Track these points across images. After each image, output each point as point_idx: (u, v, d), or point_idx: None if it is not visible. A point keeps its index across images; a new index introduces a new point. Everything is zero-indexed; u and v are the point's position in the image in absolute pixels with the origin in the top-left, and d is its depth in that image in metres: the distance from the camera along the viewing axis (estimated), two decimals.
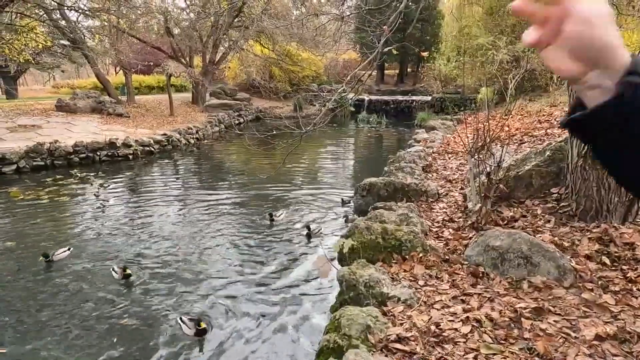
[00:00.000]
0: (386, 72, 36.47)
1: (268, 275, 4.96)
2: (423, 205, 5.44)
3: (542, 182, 4.37)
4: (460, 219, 4.73)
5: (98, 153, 11.55)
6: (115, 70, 39.81)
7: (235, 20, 22.10)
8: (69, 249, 5.55)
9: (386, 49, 5.15)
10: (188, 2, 27.51)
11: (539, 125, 10.75)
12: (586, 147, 3.54)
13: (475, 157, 4.39)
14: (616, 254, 3.18)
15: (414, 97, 25.52)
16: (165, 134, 13.83)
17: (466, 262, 3.54)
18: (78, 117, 15.24)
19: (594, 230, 3.51)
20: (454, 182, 6.76)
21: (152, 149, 12.84)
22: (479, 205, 4.13)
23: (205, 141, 16.07)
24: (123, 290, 4.65)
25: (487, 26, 20.38)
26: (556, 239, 3.53)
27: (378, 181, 5.72)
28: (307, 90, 28.54)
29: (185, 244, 5.89)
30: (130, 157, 12.07)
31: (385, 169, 7.01)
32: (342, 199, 7.47)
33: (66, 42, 21.12)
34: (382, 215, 4.45)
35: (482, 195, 4.02)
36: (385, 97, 26.29)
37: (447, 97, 23.01)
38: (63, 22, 18.11)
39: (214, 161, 13.16)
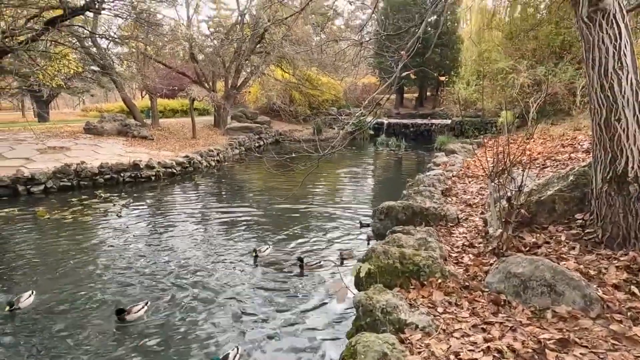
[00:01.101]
0: (405, 95, 36.60)
1: (285, 299, 4.92)
2: (442, 230, 5.35)
3: (565, 207, 4.26)
4: (481, 245, 4.63)
5: (122, 174, 11.85)
6: (142, 95, 41.19)
7: (257, 46, 22.70)
8: (32, 293, 4.93)
9: (404, 74, 5.19)
10: (212, 30, 28.42)
11: (562, 149, 10.53)
12: (610, 172, 3.45)
13: (496, 181, 4.32)
14: None
15: (433, 121, 25.46)
16: (187, 156, 14.11)
17: (487, 289, 3.43)
18: (104, 140, 15.74)
19: (622, 258, 3.37)
20: (474, 206, 6.64)
21: (174, 171, 13.10)
22: (500, 230, 4.03)
23: (226, 163, 16.31)
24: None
25: (507, 50, 20.35)
26: (581, 266, 3.41)
27: (396, 205, 5.67)
28: (326, 113, 28.86)
29: (203, 266, 5.92)
30: (153, 178, 12.33)
31: (404, 192, 6.96)
32: (360, 222, 7.43)
33: (96, 68, 22.07)
34: (400, 239, 4.39)
35: (503, 220, 3.94)
36: (405, 121, 26.33)
37: (467, 120, 22.87)
38: (94, 49, 18.93)
39: (234, 183, 13.31)
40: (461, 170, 10.13)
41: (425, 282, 3.58)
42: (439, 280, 3.57)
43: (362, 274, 3.60)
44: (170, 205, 9.72)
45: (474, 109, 23.57)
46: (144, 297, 4.99)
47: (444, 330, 2.97)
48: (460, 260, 4.30)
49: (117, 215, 8.44)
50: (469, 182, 8.92)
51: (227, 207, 9.56)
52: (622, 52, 3.37)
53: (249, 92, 29.85)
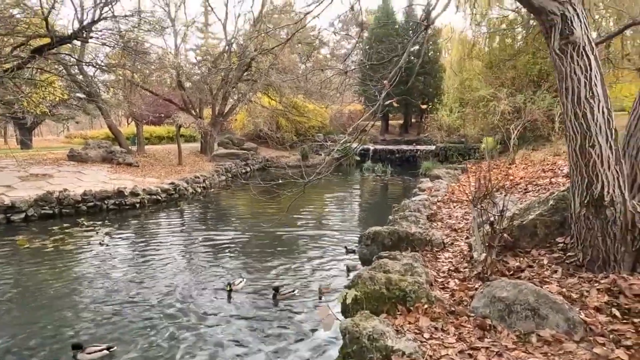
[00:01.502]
0: (390, 122, 37.26)
1: (270, 325, 4.85)
2: (428, 255, 5.38)
3: (546, 231, 4.34)
4: (466, 269, 4.66)
5: (106, 202, 11.69)
6: (128, 121, 41.10)
7: (244, 74, 23.03)
8: None
9: (388, 102, 5.32)
10: (200, 58, 28.77)
11: (543, 174, 10.79)
12: (587, 196, 3.56)
13: (478, 206, 4.40)
14: (626, 306, 3.09)
15: (418, 147, 25.91)
16: (172, 183, 14.02)
17: (472, 314, 3.45)
18: (89, 167, 15.58)
19: (602, 281, 3.44)
20: (459, 230, 6.71)
21: (159, 198, 12.97)
22: (484, 255, 4.08)
23: (212, 190, 16.23)
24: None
25: (488, 79, 21.04)
26: (564, 290, 3.46)
27: (382, 230, 5.71)
28: (313, 140, 29.14)
29: (185, 296, 5.81)
30: (138, 205, 12.18)
31: (390, 217, 7.01)
32: (346, 248, 7.42)
33: (82, 95, 22.05)
34: (387, 264, 4.40)
35: (487, 244, 3.99)
36: (390, 147, 26.73)
37: (451, 146, 23.33)
38: (80, 77, 18.96)
39: (219, 209, 13.22)
40: (446, 195, 10.27)
41: (412, 308, 3.58)
42: (425, 306, 3.58)
43: (348, 301, 3.59)
44: (154, 233, 9.58)
45: (457, 135, 24.09)
46: (119, 332, 4.84)
47: (430, 356, 2.96)
48: (446, 285, 4.31)
49: (100, 243, 8.27)
50: (454, 207, 9.04)
51: (211, 234, 9.46)
52: (592, 82, 3.53)
53: (236, 119, 30.06)
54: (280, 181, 6.45)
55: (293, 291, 5.60)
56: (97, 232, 9.16)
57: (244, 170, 22.02)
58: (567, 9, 3.61)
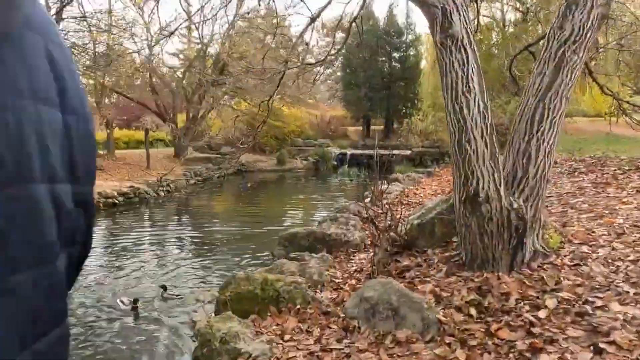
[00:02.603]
0: (373, 127, 37.22)
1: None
2: (342, 256, 5.26)
3: (444, 230, 4.25)
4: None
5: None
6: (108, 126, 40.71)
7: (218, 79, 22.90)
8: None
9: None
10: (181, 63, 28.60)
11: None
12: (464, 193, 3.46)
13: (360, 203, 4.29)
14: (488, 305, 2.99)
15: (394, 151, 25.78)
16: (132, 186, 13.80)
17: (343, 315, 3.32)
18: None
19: (476, 280, 3.33)
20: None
21: (116, 201, 12.73)
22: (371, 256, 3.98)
23: (177, 193, 16.00)
24: None
25: None
26: (437, 289, 3.35)
27: (300, 231, 5.58)
28: (292, 145, 29.04)
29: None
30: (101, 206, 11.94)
31: (320, 220, 6.88)
32: (272, 253, 7.25)
33: None
34: (283, 265, 4.27)
35: (370, 243, 3.88)
36: (367, 152, 26.64)
37: (425, 151, 23.37)
38: None
39: (179, 213, 13.03)
40: (397, 198, 10.18)
41: (284, 309, 3.45)
42: (299, 307, 3.45)
43: (219, 302, 3.45)
44: (100, 239, 9.36)
45: (432, 139, 24.15)
46: None
47: (278, 359, 2.83)
48: (342, 286, 4.19)
49: None
50: (400, 210, 8.94)
51: (158, 238, 9.28)
52: (469, 76, 3.45)
53: (213, 123, 29.87)
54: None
55: (180, 296, 5.41)
56: None
57: (217, 175, 21.80)
58: (447, 2, 3.53)
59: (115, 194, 12.82)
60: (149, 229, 10.42)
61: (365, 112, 32.48)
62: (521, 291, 3.09)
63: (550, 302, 2.83)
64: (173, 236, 9.63)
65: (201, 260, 7.42)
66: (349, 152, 26.90)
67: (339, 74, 40.83)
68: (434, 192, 11.47)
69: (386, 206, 4.00)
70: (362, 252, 5.46)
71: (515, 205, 3.38)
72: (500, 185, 3.39)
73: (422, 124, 23.16)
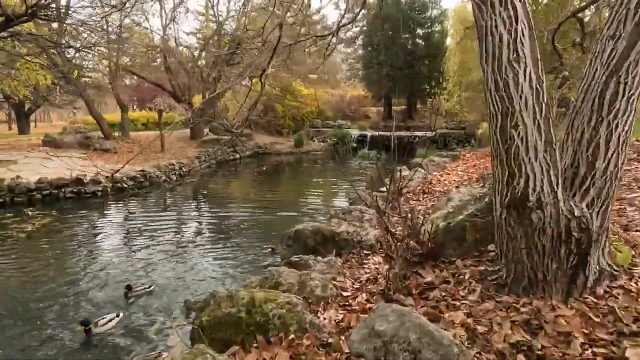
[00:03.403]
0: (394, 108, 35.95)
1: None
2: (353, 260, 4.52)
3: (477, 236, 3.45)
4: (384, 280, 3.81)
5: (63, 190, 11.05)
6: (133, 108, 40.59)
7: (233, 57, 22.12)
8: None
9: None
10: (189, 42, 27.84)
11: None
12: (508, 195, 2.65)
13: (380, 204, 3.51)
14: (543, 352, 2.21)
15: (417, 133, 24.73)
16: (142, 170, 13.34)
17: (347, 351, 2.60)
18: (61, 153, 14.99)
19: (523, 309, 2.55)
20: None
21: (125, 186, 12.30)
22: (386, 267, 3.22)
23: (189, 177, 15.51)
24: None
25: None
26: (470, 320, 2.58)
27: (305, 229, 4.86)
28: (310, 126, 28.20)
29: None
30: (100, 194, 11.53)
31: (331, 212, 6.12)
32: (272, 249, 6.63)
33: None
34: (280, 274, 3.57)
35: (384, 255, 3.13)
36: (388, 133, 25.56)
37: (450, 132, 22.19)
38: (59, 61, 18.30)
39: (189, 199, 12.51)
40: (419, 186, 9.33)
41: (274, 339, 2.75)
42: (293, 336, 2.74)
43: (199, 327, 2.77)
44: (101, 226, 8.91)
45: (457, 120, 22.90)
46: None
47: None
48: (350, 302, 3.46)
49: (26, 237, 7.62)
50: (423, 199, 8.12)
51: (172, 226, 8.76)
52: (519, 40, 2.59)
53: (226, 106, 29.25)
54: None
55: (149, 287, 4.94)
56: (33, 224, 8.51)
57: (232, 157, 21.26)
58: None
59: (125, 178, 12.37)
60: (155, 216, 9.91)
61: (386, 92, 31.20)
62: (587, 330, 2.29)
63: (633, 354, 2.03)
64: (178, 223, 9.10)
65: (202, 252, 6.86)
66: (369, 133, 25.87)
67: (359, 52, 39.43)
68: (459, 178, 10.52)
69: (406, 209, 3.21)
70: (377, 254, 4.71)
71: (576, 213, 2.55)
72: (557, 185, 2.56)
73: (447, 103, 21.85)
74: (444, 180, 10.40)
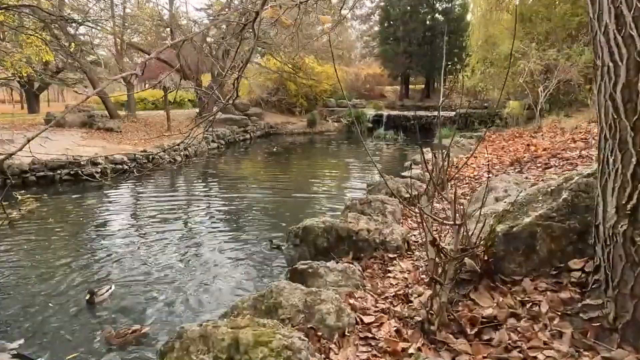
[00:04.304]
0: (411, 86, 34.52)
1: None
2: (375, 266, 3.60)
3: (553, 246, 2.48)
4: (419, 297, 2.89)
5: (59, 172, 10.33)
6: (144, 86, 39.85)
7: (244, 32, 20.99)
8: None
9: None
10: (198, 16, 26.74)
11: (572, 145, 8.64)
12: (631, 196, 1.67)
13: (423, 204, 2.56)
14: None
15: (435, 113, 23.44)
16: (144, 151, 12.55)
17: None
18: (62, 132, 14.29)
19: None
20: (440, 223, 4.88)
21: (126, 167, 11.55)
22: (429, 293, 2.29)
23: (195, 158, 14.70)
24: None
25: (517, 35, 18.24)
26: None
27: (316, 225, 3.93)
28: (324, 105, 27.06)
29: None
30: (98, 176, 10.78)
31: (347, 202, 5.17)
32: (271, 241, 5.83)
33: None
34: (281, 293, 2.67)
35: (430, 278, 2.20)
36: (405, 113, 24.32)
37: (472, 112, 20.87)
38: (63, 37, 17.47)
39: (194, 181, 11.71)
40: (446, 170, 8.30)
41: None
42: None
43: None
44: (95, 211, 8.16)
45: (480, 99, 21.52)
46: None
47: None
48: (375, 333, 2.55)
49: (8, 225, 6.87)
50: (450, 187, 7.11)
51: (164, 211, 7.97)
52: None
53: (234, 84, 28.13)
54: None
55: (110, 288, 4.37)
56: (19, 210, 7.78)
57: (242, 138, 20.37)
58: None
59: (125, 159, 11.60)
60: (154, 200, 9.13)
61: (403, 69, 29.76)
62: None
63: None
64: (177, 209, 8.29)
65: (200, 243, 6.04)
66: (385, 113, 24.65)
67: (375, 29, 37.73)
68: (489, 162, 9.46)
69: (459, 211, 2.25)
70: (405, 258, 3.78)
71: None
72: None
73: (470, 81, 20.44)
74: (472, 164, 9.37)
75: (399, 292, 3.08)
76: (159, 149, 13.26)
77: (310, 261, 3.35)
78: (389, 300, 3.00)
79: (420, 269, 3.51)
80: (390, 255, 3.72)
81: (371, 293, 3.11)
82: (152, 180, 11.31)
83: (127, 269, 5.19)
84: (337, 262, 3.56)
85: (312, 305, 2.57)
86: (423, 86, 33.27)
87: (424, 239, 4.23)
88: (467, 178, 7.77)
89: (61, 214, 7.84)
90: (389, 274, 3.46)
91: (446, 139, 15.81)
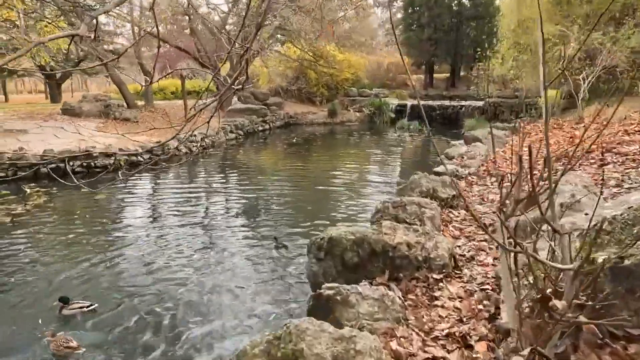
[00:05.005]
0: (436, 75, 33.27)
1: None
2: (418, 290, 2.93)
3: None
4: (483, 340, 2.21)
5: (71, 163, 9.95)
6: (165, 75, 39.74)
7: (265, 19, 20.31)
8: None
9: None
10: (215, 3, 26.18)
11: (627, 138, 7.71)
12: None
13: (511, 225, 1.86)
14: None
15: (463, 102, 22.36)
16: (159, 142, 12.08)
17: None
18: (78, 121, 13.98)
19: None
20: (490, 231, 4.16)
21: (140, 159, 11.12)
22: (525, 345, 1.61)
23: (211, 150, 14.20)
24: None
25: (554, 18, 17.00)
26: None
27: (344, 236, 3.27)
28: (345, 95, 26.21)
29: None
30: (111, 167, 10.37)
31: (378, 206, 4.44)
32: (276, 239, 5.39)
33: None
34: (302, 335, 2.03)
35: (531, 349, 1.51)
36: (430, 102, 23.28)
37: (502, 101, 19.76)
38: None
39: (210, 174, 11.20)
40: (483, 165, 7.51)
41: None
42: None
43: None
44: (104, 206, 7.72)
45: (512, 88, 20.34)
46: None
47: None
48: None
49: (10, 222, 6.46)
50: (492, 184, 6.34)
51: (177, 206, 7.49)
52: None
53: (257, 74, 27.52)
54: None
55: (89, 305, 3.90)
56: (24, 204, 7.37)
57: (261, 128, 19.80)
58: None
59: (140, 150, 11.15)
60: (169, 193, 8.70)
61: (428, 57, 28.57)
62: None
63: None
64: (192, 204, 7.80)
65: (211, 244, 5.51)
66: (409, 103, 23.68)
67: (398, 16, 36.42)
68: (528, 156, 8.58)
69: (582, 249, 1.53)
70: (452, 278, 3.10)
71: None
72: None
73: (500, 68, 19.27)
74: (510, 158, 8.51)
75: (452, 330, 2.40)
76: (174, 140, 12.78)
77: (337, 285, 2.71)
78: (441, 341, 2.33)
79: (475, 294, 2.83)
80: (436, 276, 3.04)
81: (416, 330, 2.44)
82: (167, 173, 10.86)
83: (123, 277, 4.67)
84: (370, 284, 2.91)
85: (343, 357, 1.92)
86: (448, 74, 31.98)
87: (471, 252, 3.52)
88: (508, 175, 6.96)
89: (68, 209, 7.41)
90: (436, 302, 2.79)
91: (473, 130, 14.84)
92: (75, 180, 2.44)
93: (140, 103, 19.33)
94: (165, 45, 23.19)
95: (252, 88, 25.80)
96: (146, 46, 23.23)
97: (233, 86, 2.69)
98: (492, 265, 3.29)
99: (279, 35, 22.96)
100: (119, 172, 9.76)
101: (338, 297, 2.59)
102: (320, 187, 9.03)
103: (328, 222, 6.36)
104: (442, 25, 26.55)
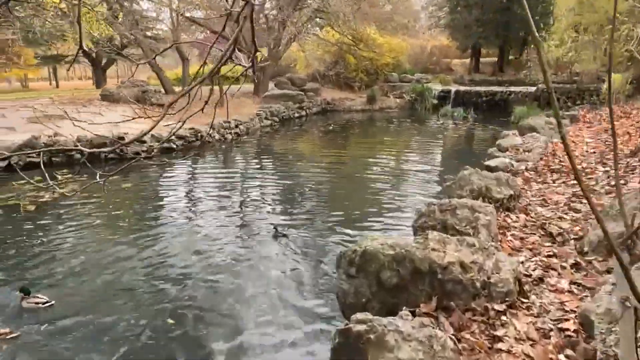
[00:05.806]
0: (483, 59, 31.37)
1: None
2: (475, 327, 2.29)
3: None
4: None
5: (104, 150, 9.85)
6: (205, 61, 40.07)
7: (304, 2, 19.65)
8: None
9: None
10: None
11: None
12: None
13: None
14: None
15: (512, 88, 20.83)
16: (192, 129, 11.84)
17: None
18: (115, 107, 14.01)
19: None
20: (559, 242, 3.43)
21: (174, 146, 10.92)
22: None
23: (245, 137, 13.84)
24: None
25: None
26: None
27: (380, 250, 2.67)
28: (385, 80, 25.14)
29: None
30: (143, 154, 10.21)
31: (423, 209, 3.75)
32: (276, 228, 5.08)
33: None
34: None
35: None
36: (477, 88, 21.89)
37: (558, 87, 18.18)
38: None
39: (245, 161, 10.85)
40: (541, 159, 6.60)
41: None
42: None
43: None
44: (133, 195, 7.50)
45: (568, 72, 18.68)
46: None
47: None
48: None
49: (24, 210, 6.32)
50: (554, 182, 5.48)
51: (208, 196, 7.18)
52: None
53: (299, 56, 26.89)
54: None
55: (47, 302, 3.78)
56: (53, 192, 7.23)
57: (297, 114, 19.27)
58: None
59: (173, 137, 10.95)
60: (200, 181, 8.41)
61: (474, 41, 26.84)
62: None
63: None
64: (223, 194, 7.46)
65: (243, 240, 5.09)
66: (453, 88, 22.37)
67: None
68: (593, 148, 7.58)
69: None
70: (518, 309, 2.43)
71: None
72: None
73: (557, 51, 17.66)
74: (573, 150, 7.50)
75: None
76: (207, 126, 12.53)
77: (370, 318, 2.12)
78: None
79: (552, 337, 2.16)
80: (497, 307, 2.39)
81: None
82: (200, 160, 10.61)
83: (134, 273, 4.31)
84: (412, 314, 2.31)
85: None
86: (496, 59, 30.07)
87: (537, 271, 2.85)
88: (569, 170, 6.06)
89: (96, 196, 7.21)
90: (500, 344, 2.15)
91: (525, 118, 13.61)
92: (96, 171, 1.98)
93: (177, 89, 19.30)
94: (206, 31, 23.08)
95: (290, 74, 25.26)
96: (186, 33, 23.12)
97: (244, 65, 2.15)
98: (569, 292, 2.60)
99: (317, 19, 22.20)
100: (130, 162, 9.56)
101: (371, 336, 2.01)
102: (357, 177, 8.43)
103: (364, 218, 5.76)
104: (491, 5, 24.77)
